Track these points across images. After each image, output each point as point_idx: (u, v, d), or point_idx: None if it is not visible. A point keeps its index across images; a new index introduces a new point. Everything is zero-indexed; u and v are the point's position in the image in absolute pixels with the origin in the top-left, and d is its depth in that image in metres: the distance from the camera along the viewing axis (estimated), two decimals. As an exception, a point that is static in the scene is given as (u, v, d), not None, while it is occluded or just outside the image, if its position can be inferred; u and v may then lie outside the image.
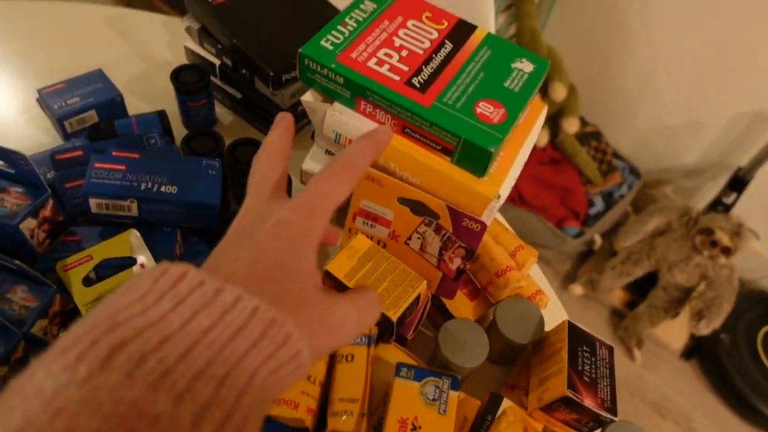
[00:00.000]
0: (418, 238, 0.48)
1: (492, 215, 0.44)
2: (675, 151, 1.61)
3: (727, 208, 1.47)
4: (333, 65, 0.44)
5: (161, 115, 0.59)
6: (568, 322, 0.47)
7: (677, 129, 1.57)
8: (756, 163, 1.37)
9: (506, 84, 0.45)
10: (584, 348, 0.46)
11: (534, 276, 0.59)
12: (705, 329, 1.45)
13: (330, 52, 0.45)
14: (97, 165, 0.44)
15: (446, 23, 0.49)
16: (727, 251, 1.41)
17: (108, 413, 0.17)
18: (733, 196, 1.45)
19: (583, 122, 1.67)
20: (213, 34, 0.59)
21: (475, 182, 0.43)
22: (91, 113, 0.58)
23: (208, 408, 0.19)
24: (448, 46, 0.47)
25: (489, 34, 0.49)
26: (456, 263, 0.47)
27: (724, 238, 1.39)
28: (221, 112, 0.67)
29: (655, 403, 1.50)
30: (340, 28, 0.47)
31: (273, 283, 0.25)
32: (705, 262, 1.45)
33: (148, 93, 0.67)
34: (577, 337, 0.47)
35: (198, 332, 0.21)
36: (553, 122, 1.61)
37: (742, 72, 1.38)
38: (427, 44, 0.47)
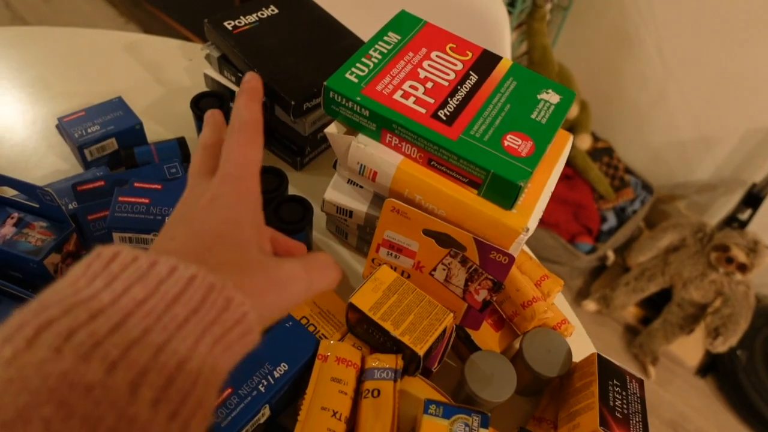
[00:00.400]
0: (444, 270, 0.47)
1: (520, 248, 0.44)
2: (688, 166, 1.60)
3: (743, 225, 1.45)
4: (359, 98, 0.44)
5: (181, 143, 0.59)
6: (598, 354, 0.47)
7: (690, 144, 1.56)
8: (771, 179, 1.36)
9: (533, 116, 0.44)
10: (615, 382, 0.45)
11: (558, 304, 0.58)
12: (722, 347, 1.43)
13: (355, 85, 0.45)
14: (121, 199, 0.44)
15: (470, 54, 0.48)
16: (743, 268, 1.39)
17: (36, 388, 0.17)
18: (748, 212, 1.43)
19: (595, 138, 1.67)
20: (233, 62, 0.59)
21: (503, 215, 0.42)
22: (111, 141, 0.58)
23: (146, 374, 0.19)
24: (473, 77, 0.47)
25: (514, 65, 0.48)
26: (482, 295, 0.47)
27: (741, 255, 1.38)
28: (239, 137, 0.67)
29: (671, 422, 1.48)
30: (364, 60, 0.46)
31: (211, 253, 0.25)
32: (721, 278, 1.43)
33: (167, 119, 0.67)
34: (607, 370, 0.46)
35: (131, 305, 0.20)
36: (564, 138, 1.60)
37: (755, 87, 1.37)
38: (452, 76, 0.47)
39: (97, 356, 0.18)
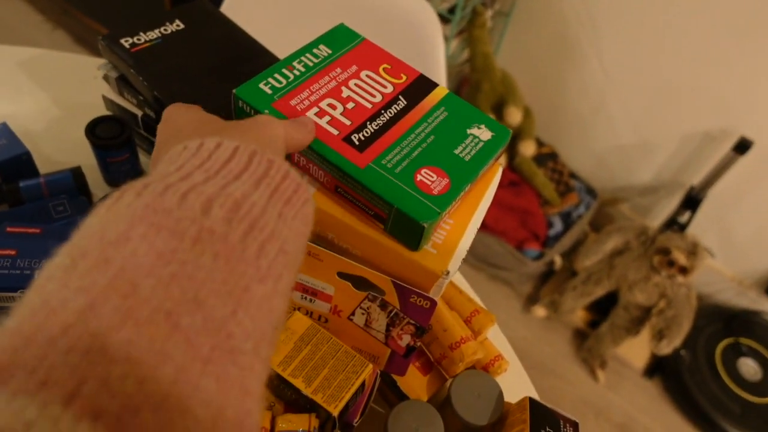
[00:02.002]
0: (363, 314, 0.43)
1: (441, 290, 0.40)
2: (629, 170, 1.62)
3: (682, 227, 1.48)
4: (266, 111, 0.39)
5: (75, 173, 0.53)
6: (530, 399, 0.44)
7: (630, 149, 1.58)
8: (707, 183, 1.39)
9: (457, 151, 0.40)
10: (547, 429, 0.42)
11: (493, 336, 0.55)
12: (666, 348, 1.45)
13: (267, 97, 0.40)
14: (-19, 252, 0.38)
15: (405, 78, 0.44)
16: (684, 270, 1.41)
17: (129, 217, 0.21)
18: (687, 214, 1.46)
19: (540, 143, 1.67)
20: (132, 84, 0.53)
21: (421, 256, 0.38)
22: (-8, 174, 0.51)
23: (214, 199, 0.23)
24: (401, 102, 0.43)
25: (449, 94, 0.44)
26: (405, 340, 0.43)
27: (681, 258, 1.40)
28: (147, 162, 0.61)
29: (621, 425, 1.49)
30: (284, 71, 0.42)
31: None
32: (663, 281, 1.45)
33: (65, 145, 0.61)
34: (539, 415, 0.43)
35: (191, 168, 0.24)
36: (510, 145, 1.60)
37: (690, 95, 1.40)
38: (379, 98, 0.42)
39: (170, 192, 0.22)
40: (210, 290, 0.20)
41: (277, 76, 0.41)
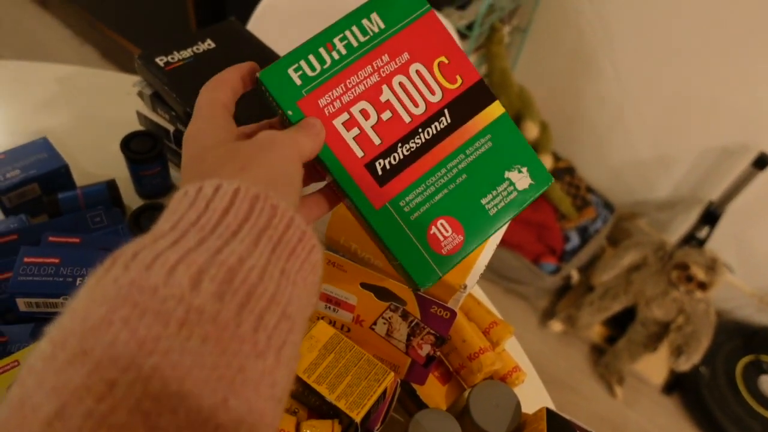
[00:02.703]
0: (384, 324, 0.44)
1: (458, 303, 0.41)
2: (647, 185, 1.62)
3: (701, 243, 1.47)
4: (290, 112, 0.32)
5: (110, 186, 0.55)
6: (547, 409, 0.44)
7: (648, 163, 1.58)
8: (726, 198, 1.38)
9: (484, 201, 0.35)
10: (564, 439, 0.43)
11: (510, 347, 0.56)
12: (685, 365, 1.43)
13: (295, 90, 0.32)
14: (26, 259, 0.40)
15: (459, 82, 0.35)
16: (703, 286, 1.40)
17: (113, 296, 0.20)
18: (705, 230, 1.45)
19: (556, 158, 1.67)
20: (166, 100, 0.56)
21: (441, 269, 0.40)
22: (32, 186, 0.54)
23: (205, 271, 0.21)
24: (444, 120, 0.35)
25: (503, 116, 0.36)
26: (425, 350, 0.44)
27: (700, 273, 1.39)
28: (177, 176, 0.64)
29: (638, 441, 1.47)
30: (321, 52, 0.33)
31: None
32: (681, 296, 1.44)
33: (100, 158, 0.63)
34: (556, 426, 0.44)
35: (186, 225, 0.23)
36: (526, 159, 1.60)
37: (708, 109, 1.40)
38: (421, 109, 0.34)
39: (158, 264, 0.21)
40: (197, 379, 0.19)
41: (311, 58, 0.33)
